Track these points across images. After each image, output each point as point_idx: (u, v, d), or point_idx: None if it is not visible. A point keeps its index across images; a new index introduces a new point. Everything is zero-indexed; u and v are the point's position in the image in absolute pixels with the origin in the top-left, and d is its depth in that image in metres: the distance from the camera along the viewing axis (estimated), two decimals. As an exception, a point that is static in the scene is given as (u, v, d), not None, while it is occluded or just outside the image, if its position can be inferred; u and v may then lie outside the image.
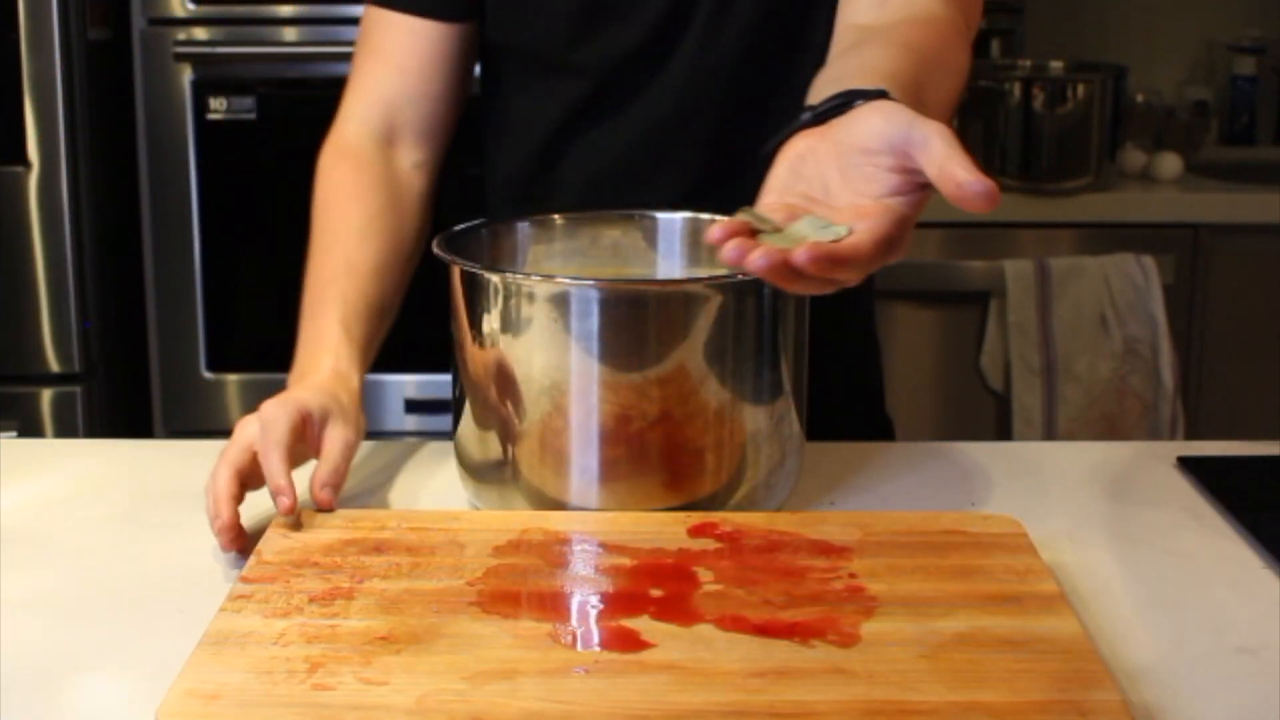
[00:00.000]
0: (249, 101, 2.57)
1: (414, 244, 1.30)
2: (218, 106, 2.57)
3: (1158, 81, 3.15)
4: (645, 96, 1.30)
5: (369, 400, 1.19)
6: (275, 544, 1.00)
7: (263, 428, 1.06)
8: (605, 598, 0.93)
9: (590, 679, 0.83)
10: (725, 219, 0.88)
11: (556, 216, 1.25)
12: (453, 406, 1.14)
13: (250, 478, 1.06)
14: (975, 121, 2.79)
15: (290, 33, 2.58)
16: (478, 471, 1.12)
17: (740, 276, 1.03)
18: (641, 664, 0.85)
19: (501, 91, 1.37)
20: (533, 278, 1.07)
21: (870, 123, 0.89)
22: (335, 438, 1.09)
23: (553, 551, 0.99)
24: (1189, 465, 1.24)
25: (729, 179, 1.28)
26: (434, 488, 1.20)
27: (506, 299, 1.06)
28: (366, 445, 1.24)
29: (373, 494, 1.19)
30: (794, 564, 0.97)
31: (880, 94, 0.92)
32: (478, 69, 1.38)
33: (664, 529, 1.02)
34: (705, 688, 0.82)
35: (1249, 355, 2.70)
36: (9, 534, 1.11)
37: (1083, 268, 2.63)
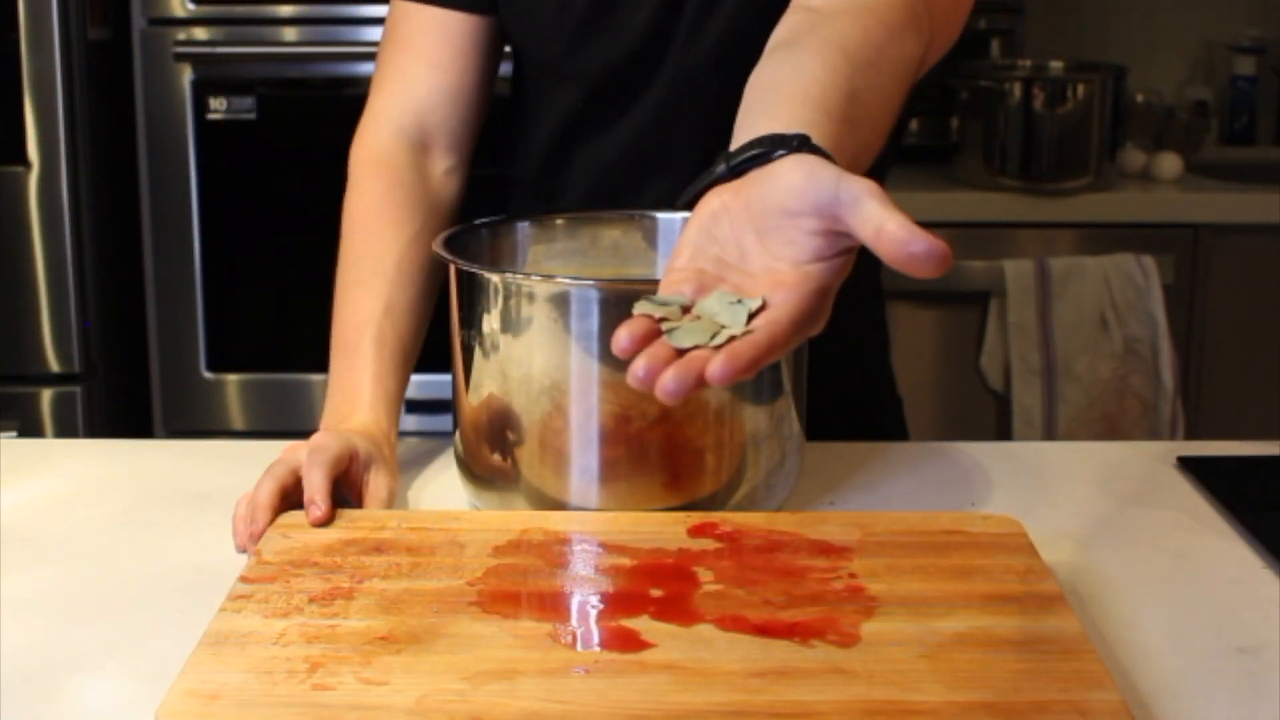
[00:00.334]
0: (249, 101, 2.57)
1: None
2: (218, 106, 2.57)
3: (1158, 81, 3.15)
4: (638, 102, 1.30)
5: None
6: (275, 544, 1.00)
7: (311, 449, 1.09)
8: (605, 598, 0.93)
9: (590, 679, 0.83)
10: (628, 321, 0.78)
11: (557, 216, 1.26)
12: (453, 406, 1.14)
13: (290, 497, 1.08)
14: (975, 121, 2.79)
15: (290, 33, 2.57)
16: (478, 471, 1.12)
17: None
18: (641, 664, 0.84)
19: (518, 94, 1.38)
20: (533, 278, 1.07)
21: (790, 180, 0.80)
22: (380, 484, 1.12)
23: (553, 551, 0.99)
24: (1189, 465, 1.24)
25: None
26: (434, 488, 1.21)
27: (506, 299, 1.06)
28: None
29: (373, 494, 1.19)
30: (794, 564, 0.97)
31: (803, 141, 0.84)
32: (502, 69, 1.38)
33: (664, 529, 1.02)
34: (705, 688, 0.82)
35: (1249, 355, 2.70)
36: (9, 534, 1.11)
37: (1083, 268, 2.63)
